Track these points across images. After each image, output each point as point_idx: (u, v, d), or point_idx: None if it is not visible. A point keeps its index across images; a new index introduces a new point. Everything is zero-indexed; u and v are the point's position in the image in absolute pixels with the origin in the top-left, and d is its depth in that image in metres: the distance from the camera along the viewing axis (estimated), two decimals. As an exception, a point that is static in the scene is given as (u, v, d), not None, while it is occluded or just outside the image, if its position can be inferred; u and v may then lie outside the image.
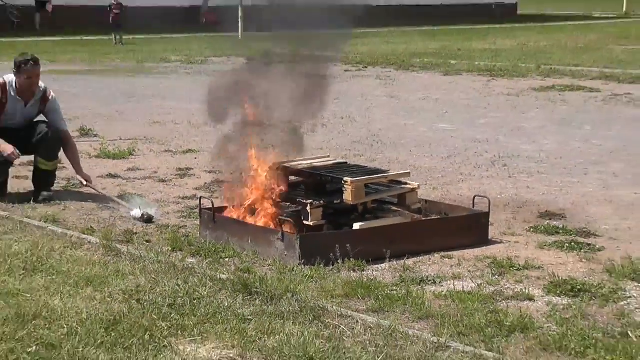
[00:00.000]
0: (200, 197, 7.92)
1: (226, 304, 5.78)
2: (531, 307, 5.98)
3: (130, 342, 5.18)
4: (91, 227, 7.94)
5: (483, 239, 7.54)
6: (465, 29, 42.35)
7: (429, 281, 6.51)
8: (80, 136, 12.54)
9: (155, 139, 12.78)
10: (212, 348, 5.17)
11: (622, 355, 5.09)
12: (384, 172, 7.97)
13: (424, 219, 7.66)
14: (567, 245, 7.44)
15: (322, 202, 7.27)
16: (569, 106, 16.59)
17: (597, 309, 5.94)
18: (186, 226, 8.06)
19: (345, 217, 7.35)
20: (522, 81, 20.60)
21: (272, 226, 7.27)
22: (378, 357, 5.02)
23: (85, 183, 9.14)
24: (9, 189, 9.27)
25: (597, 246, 7.45)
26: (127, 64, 25.15)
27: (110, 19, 32.90)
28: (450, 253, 7.19)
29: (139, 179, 10.15)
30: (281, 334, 5.30)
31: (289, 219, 7.10)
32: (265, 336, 5.30)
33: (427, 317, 5.73)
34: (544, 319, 5.72)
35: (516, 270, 6.77)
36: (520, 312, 5.76)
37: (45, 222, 8.05)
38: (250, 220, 7.47)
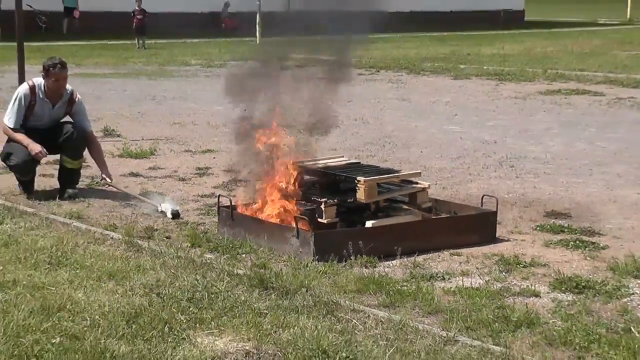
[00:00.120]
0: (219, 196, 7.96)
1: (242, 298, 5.85)
2: (537, 303, 6.03)
3: (150, 334, 5.25)
4: (114, 223, 8.02)
5: (491, 237, 7.58)
6: (474, 34, 42.06)
7: (438, 277, 6.56)
8: (104, 136, 12.58)
9: (175, 139, 12.83)
10: (229, 340, 5.23)
11: (625, 350, 5.14)
12: (396, 172, 8.02)
13: (433, 217, 7.72)
14: (572, 243, 7.49)
15: (336, 200, 7.35)
16: (575, 109, 16.53)
17: (601, 305, 5.99)
18: (205, 223, 8.11)
19: (358, 215, 7.41)
20: (529, 85, 20.43)
21: (287, 223, 7.31)
22: (389, 351, 5.07)
23: (110, 182, 9.24)
24: (36, 187, 9.36)
25: (601, 244, 7.49)
26: (149, 67, 25.04)
27: (133, 24, 32.87)
28: (459, 250, 7.23)
29: (159, 178, 10.21)
30: (295, 328, 5.35)
31: (304, 217, 7.14)
32: (280, 329, 5.36)
33: (436, 312, 5.79)
34: (549, 315, 5.78)
35: (523, 267, 6.83)
36: (527, 307, 5.82)
37: (70, 218, 8.13)
38: (266, 217, 7.52)
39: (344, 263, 6.81)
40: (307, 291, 6.01)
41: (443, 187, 9.60)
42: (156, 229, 7.86)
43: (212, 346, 5.17)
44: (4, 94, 16.71)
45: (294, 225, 7.07)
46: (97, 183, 9.64)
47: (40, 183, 9.57)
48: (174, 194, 9.19)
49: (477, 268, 6.85)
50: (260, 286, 6.11)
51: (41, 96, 9.20)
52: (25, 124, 9.23)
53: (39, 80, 9.25)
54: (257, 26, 29.16)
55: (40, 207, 8.62)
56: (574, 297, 6.15)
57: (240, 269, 6.56)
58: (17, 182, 9.37)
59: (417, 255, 7.04)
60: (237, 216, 7.55)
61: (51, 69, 9.10)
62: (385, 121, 14.94)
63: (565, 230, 7.94)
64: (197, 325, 5.45)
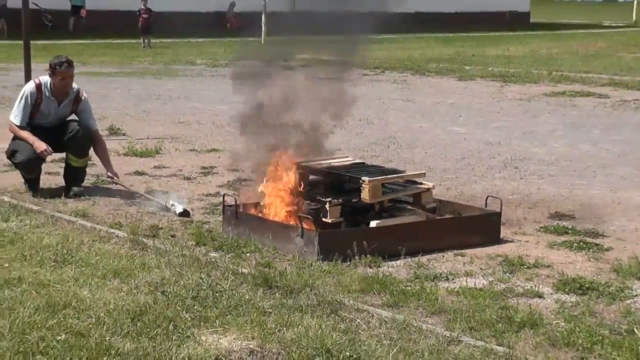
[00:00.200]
0: (224, 195, 7.95)
1: (247, 297, 5.86)
2: (540, 304, 6.05)
3: (155, 332, 5.27)
4: (119, 221, 8.05)
5: (495, 238, 7.60)
6: (479, 36, 42.05)
7: (442, 278, 6.58)
8: (109, 135, 12.59)
9: (180, 139, 12.84)
10: (233, 339, 5.24)
11: (628, 351, 5.16)
12: (400, 172, 8.02)
13: (438, 218, 7.73)
14: (576, 245, 7.50)
15: (340, 200, 7.35)
16: (579, 111, 16.54)
17: (604, 306, 6.00)
18: (209, 222, 8.13)
19: (362, 215, 7.41)
20: (534, 87, 20.46)
21: (292, 223, 7.33)
22: (392, 350, 5.09)
23: (115, 180, 9.27)
24: (41, 185, 9.38)
25: (605, 246, 7.51)
26: (155, 66, 25.05)
27: (139, 24, 32.93)
28: (463, 251, 7.25)
29: (164, 177, 10.22)
30: (299, 327, 5.37)
31: (308, 216, 7.15)
32: (284, 328, 5.38)
33: (439, 312, 5.81)
34: (552, 316, 5.79)
35: (526, 268, 6.84)
36: (530, 308, 5.84)
37: (75, 216, 8.16)
38: (271, 217, 7.54)
39: (348, 263, 6.82)
40: (311, 290, 6.02)
41: (447, 188, 9.62)
42: (161, 228, 7.88)
43: (216, 344, 5.18)
44: (9, 92, 16.78)
45: (299, 224, 7.09)
46: (102, 181, 9.67)
47: (45, 181, 9.59)
48: (179, 192, 9.19)
49: (481, 269, 6.87)
50: (265, 285, 6.13)
51: (47, 94, 9.23)
52: (31, 122, 9.26)
53: (45, 79, 9.28)
54: (262, 25, 29.19)
55: (46, 205, 8.64)
56: (578, 299, 6.17)
57: (245, 268, 6.58)
58: (23, 180, 9.38)
59: (421, 256, 7.05)
60: (241, 215, 7.57)
61: (58, 67, 9.14)
62: (389, 122, 14.96)
63: (569, 231, 7.95)
64: (202, 323, 5.46)
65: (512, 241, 7.68)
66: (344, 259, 6.84)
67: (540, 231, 8.01)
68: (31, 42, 13.79)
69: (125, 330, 5.29)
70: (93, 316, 5.49)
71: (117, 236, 7.47)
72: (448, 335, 5.35)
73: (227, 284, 6.13)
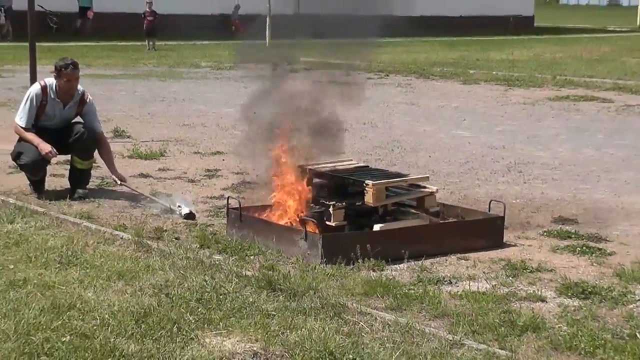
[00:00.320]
0: (228, 197, 7.99)
1: (251, 300, 5.88)
2: (543, 308, 6.06)
3: (159, 333, 5.29)
4: (123, 224, 8.05)
5: (498, 242, 7.60)
6: (483, 39, 41.98)
7: (445, 281, 6.59)
8: (114, 137, 12.60)
9: (185, 141, 12.85)
10: (237, 341, 5.26)
11: (630, 356, 5.18)
12: (404, 176, 8.03)
13: (441, 221, 7.73)
14: (579, 249, 7.51)
15: (344, 203, 7.37)
16: (583, 115, 16.54)
17: (607, 310, 6.01)
18: (214, 225, 8.13)
19: (366, 219, 7.42)
20: (538, 91, 20.43)
21: (295, 226, 7.34)
22: (395, 353, 5.11)
23: (119, 182, 9.27)
24: (46, 186, 9.40)
25: (608, 251, 7.51)
26: (159, 69, 25.04)
27: (144, 26, 32.97)
28: (466, 255, 7.26)
29: (169, 179, 10.23)
30: (303, 329, 5.39)
31: (312, 219, 7.17)
32: (288, 331, 5.40)
33: (442, 316, 5.83)
34: (555, 320, 5.80)
35: (529, 272, 6.85)
36: (533, 312, 5.86)
37: (80, 218, 8.17)
38: (275, 219, 7.56)
39: (351, 266, 6.83)
40: (314, 293, 6.04)
41: (451, 192, 9.62)
42: (165, 230, 7.90)
43: (220, 346, 5.21)
44: (15, 93, 16.79)
45: (302, 227, 7.11)
46: (107, 184, 9.69)
47: (50, 183, 9.62)
48: (183, 195, 9.19)
49: (484, 272, 6.88)
50: (268, 288, 6.15)
51: (52, 96, 9.26)
52: (36, 124, 9.29)
53: (50, 81, 9.31)
54: (267, 28, 29.20)
55: (51, 207, 8.66)
56: (580, 303, 6.17)
57: (249, 271, 6.60)
58: (28, 182, 9.41)
59: (425, 259, 7.06)
60: (245, 218, 7.59)
61: (63, 69, 9.16)
62: (394, 125, 14.96)
63: (573, 236, 7.96)
64: (206, 325, 5.49)
65: (515, 245, 7.69)
66: (348, 262, 6.85)
67: (543, 235, 8.01)
68: (36, 44, 13.82)
69: (130, 332, 5.32)
70: (97, 318, 5.51)
71: (121, 238, 7.49)
72: (451, 338, 5.36)
73: (231, 286, 6.15)
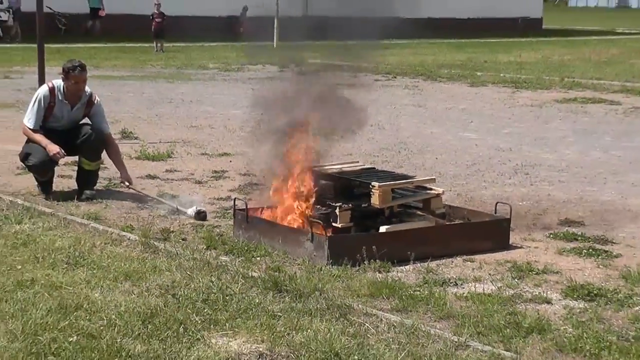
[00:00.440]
0: (235, 199, 8.01)
1: (257, 301, 5.90)
2: (548, 309, 6.07)
3: (166, 334, 5.31)
4: (130, 224, 8.08)
5: (504, 244, 7.61)
6: (491, 41, 41.93)
7: (450, 283, 6.60)
8: (121, 138, 12.61)
9: (192, 142, 12.87)
10: (243, 342, 5.28)
11: (636, 358, 5.19)
12: (410, 177, 8.05)
13: (447, 223, 7.74)
14: (585, 251, 7.51)
15: (350, 205, 7.39)
16: (591, 118, 16.52)
17: (612, 313, 6.02)
18: (220, 226, 8.15)
19: (372, 220, 7.43)
20: (546, 93, 20.41)
21: (302, 227, 7.35)
22: (400, 354, 5.12)
23: (128, 184, 9.30)
24: (54, 187, 9.43)
25: (614, 253, 7.50)
26: (167, 70, 25.08)
27: (152, 28, 33.02)
28: (472, 257, 7.26)
29: (176, 180, 10.24)
30: (309, 330, 5.41)
31: (318, 221, 7.16)
32: (294, 332, 5.42)
33: (448, 317, 5.84)
34: (560, 322, 5.81)
35: (535, 274, 6.85)
36: (538, 314, 5.86)
37: (87, 219, 8.19)
38: (281, 221, 7.57)
39: (357, 267, 6.84)
40: (320, 294, 6.05)
41: (457, 194, 9.64)
42: (172, 231, 7.91)
43: (226, 347, 5.22)
44: (23, 95, 16.84)
45: (309, 229, 7.12)
46: (114, 184, 9.71)
47: (58, 184, 9.65)
48: (190, 197, 9.21)
49: (490, 274, 6.89)
50: (275, 289, 6.16)
51: (60, 98, 9.29)
52: (44, 125, 9.33)
53: (58, 82, 9.35)
54: (275, 30, 29.23)
55: (59, 208, 8.69)
56: (586, 305, 6.18)
57: (255, 272, 6.61)
58: (36, 183, 9.45)
59: (430, 261, 7.07)
60: (252, 219, 7.60)
61: (71, 71, 9.20)
62: (401, 127, 14.96)
63: (579, 238, 7.96)
64: (212, 326, 5.51)
65: (521, 247, 7.69)
66: (354, 263, 6.86)
67: (549, 237, 8.01)
68: (45, 45, 13.86)
69: (136, 333, 5.34)
70: (104, 318, 5.53)
71: (128, 239, 7.51)
72: (456, 340, 5.37)
73: (237, 287, 6.17)
